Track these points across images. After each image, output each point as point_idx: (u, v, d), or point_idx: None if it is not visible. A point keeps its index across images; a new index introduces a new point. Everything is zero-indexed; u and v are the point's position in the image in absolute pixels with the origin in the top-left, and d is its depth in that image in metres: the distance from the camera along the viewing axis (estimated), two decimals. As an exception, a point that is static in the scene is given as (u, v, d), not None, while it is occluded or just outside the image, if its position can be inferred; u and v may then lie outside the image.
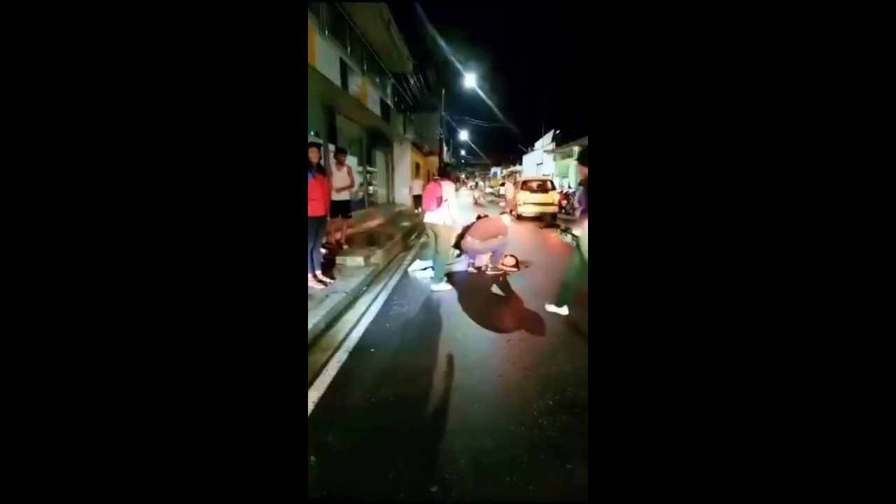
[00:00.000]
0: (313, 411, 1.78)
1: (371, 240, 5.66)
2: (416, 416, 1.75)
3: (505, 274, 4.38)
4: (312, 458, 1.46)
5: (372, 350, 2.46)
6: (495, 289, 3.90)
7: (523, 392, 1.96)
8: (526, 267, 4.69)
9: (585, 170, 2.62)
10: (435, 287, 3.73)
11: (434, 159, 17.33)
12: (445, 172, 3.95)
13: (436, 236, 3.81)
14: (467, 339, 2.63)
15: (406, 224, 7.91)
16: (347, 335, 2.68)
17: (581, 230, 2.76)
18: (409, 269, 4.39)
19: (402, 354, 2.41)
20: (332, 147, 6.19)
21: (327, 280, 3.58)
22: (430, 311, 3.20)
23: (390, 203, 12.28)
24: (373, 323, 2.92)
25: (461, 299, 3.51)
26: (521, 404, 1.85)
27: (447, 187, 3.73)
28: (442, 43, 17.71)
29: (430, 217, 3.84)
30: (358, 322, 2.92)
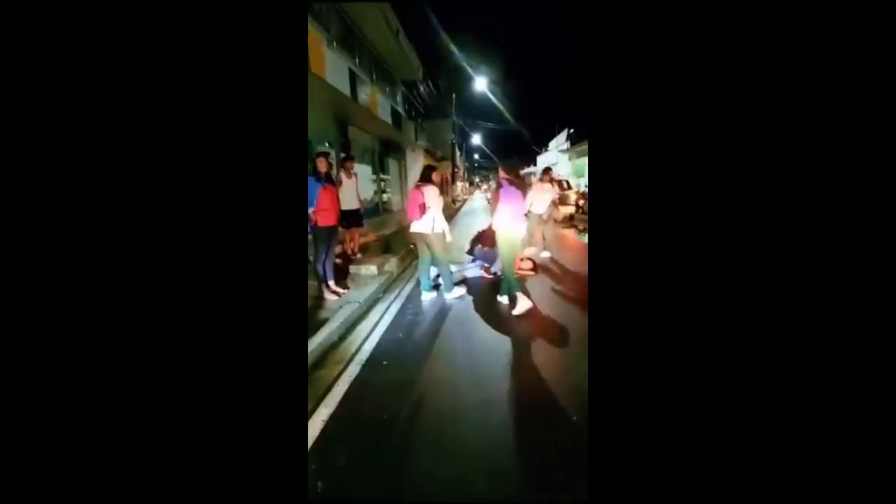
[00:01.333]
0: (323, 429, 1.71)
1: (385, 248, 5.63)
2: (429, 434, 1.66)
3: (522, 278, 4.25)
4: (320, 483, 1.38)
5: (385, 362, 2.39)
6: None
7: (544, 406, 1.84)
8: (544, 270, 4.55)
9: (502, 172, 3.41)
10: (448, 295, 3.62)
11: (447, 163, 17.34)
12: (427, 177, 3.48)
13: (428, 247, 3.49)
14: (484, 349, 2.53)
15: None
16: (360, 347, 2.62)
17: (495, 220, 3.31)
18: (422, 300, 3.73)
19: (416, 366, 2.32)
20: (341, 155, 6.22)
21: (341, 290, 3.54)
22: (445, 320, 3.11)
23: (404, 210, 12.29)
24: (386, 333, 2.85)
25: (476, 306, 3.41)
26: (543, 420, 1.73)
27: (429, 193, 3.37)
28: (452, 48, 17.80)
29: (416, 227, 3.45)
30: (371, 332, 2.86)
